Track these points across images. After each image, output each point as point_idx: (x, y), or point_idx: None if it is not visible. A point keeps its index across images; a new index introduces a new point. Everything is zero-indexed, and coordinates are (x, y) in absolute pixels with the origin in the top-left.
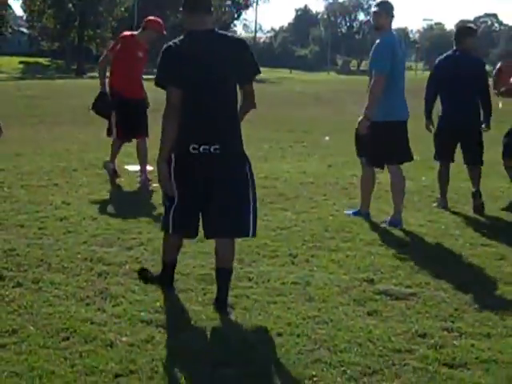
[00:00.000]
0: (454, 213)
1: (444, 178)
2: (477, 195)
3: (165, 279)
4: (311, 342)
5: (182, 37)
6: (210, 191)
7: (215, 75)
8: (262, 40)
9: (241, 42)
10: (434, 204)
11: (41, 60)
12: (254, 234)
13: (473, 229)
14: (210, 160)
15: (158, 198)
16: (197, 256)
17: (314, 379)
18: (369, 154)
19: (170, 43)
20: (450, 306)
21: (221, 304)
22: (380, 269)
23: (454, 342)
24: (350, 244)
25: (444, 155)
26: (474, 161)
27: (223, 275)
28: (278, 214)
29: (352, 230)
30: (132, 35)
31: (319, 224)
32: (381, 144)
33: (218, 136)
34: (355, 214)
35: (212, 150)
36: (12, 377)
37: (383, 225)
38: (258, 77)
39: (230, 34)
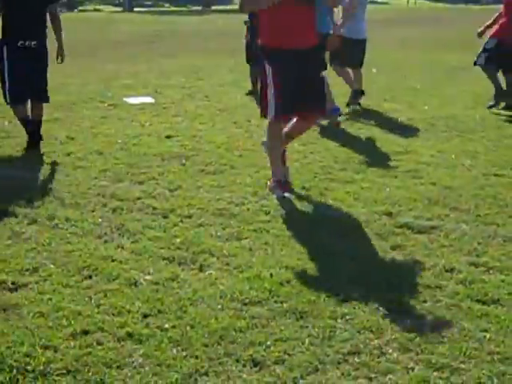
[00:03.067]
0: (462, 142)
1: None
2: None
3: (27, 133)
4: (339, 278)
5: None
6: (31, 70)
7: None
8: None
9: None
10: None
11: None
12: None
13: (483, 159)
14: (31, 51)
15: (162, 131)
16: (211, 190)
17: (347, 317)
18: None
19: None
20: (474, 240)
21: (34, 142)
22: (397, 201)
23: (483, 278)
24: (363, 175)
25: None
26: None
27: (37, 124)
28: None
29: (362, 161)
30: None
31: (328, 155)
32: None
33: (35, 35)
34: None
35: (32, 44)
36: (38, 317)
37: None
38: None
39: None
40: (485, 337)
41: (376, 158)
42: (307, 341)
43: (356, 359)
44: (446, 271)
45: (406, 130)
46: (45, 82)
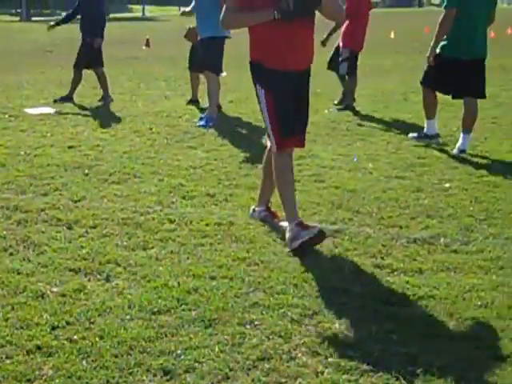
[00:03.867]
0: (363, 145)
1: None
2: None
3: None
4: (246, 284)
5: None
6: None
7: None
8: None
9: None
10: None
11: None
12: None
13: (384, 161)
14: None
15: (63, 141)
16: (115, 199)
17: (255, 323)
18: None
19: None
20: (377, 242)
21: None
22: (301, 206)
23: (388, 279)
24: None
25: None
26: None
27: None
28: (188, 153)
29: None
30: None
31: (232, 161)
32: None
33: None
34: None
35: None
36: None
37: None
38: (148, 15)
39: None
40: (391, 338)
41: None
42: (217, 348)
43: (266, 365)
44: (352, 274)
45: (308, 134)
46: None
